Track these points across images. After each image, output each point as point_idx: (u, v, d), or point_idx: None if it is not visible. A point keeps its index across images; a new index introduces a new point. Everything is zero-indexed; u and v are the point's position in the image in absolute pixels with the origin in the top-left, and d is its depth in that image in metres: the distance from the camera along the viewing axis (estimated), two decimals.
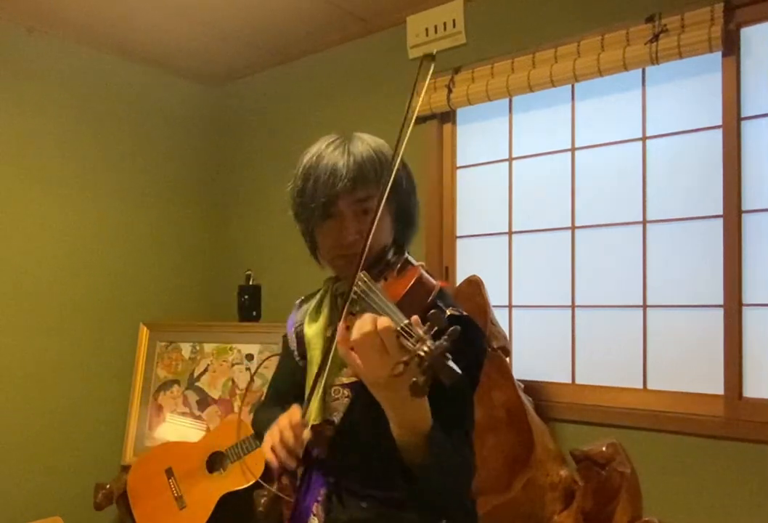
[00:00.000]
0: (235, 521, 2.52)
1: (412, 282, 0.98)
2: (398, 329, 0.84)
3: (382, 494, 1.07)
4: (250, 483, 2.40)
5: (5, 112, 2.70)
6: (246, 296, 3.03)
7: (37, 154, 2.79)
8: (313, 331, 1.17)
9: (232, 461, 2.46)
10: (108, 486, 2.67)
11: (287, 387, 1.28)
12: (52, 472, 2.77)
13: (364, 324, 0.88)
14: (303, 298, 1.32)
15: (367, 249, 1.03)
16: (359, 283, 1.00)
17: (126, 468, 2.73)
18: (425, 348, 0.78)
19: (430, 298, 0.99)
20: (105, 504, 2.67)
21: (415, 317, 0.85)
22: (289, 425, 1.04)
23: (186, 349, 2.97)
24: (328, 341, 1.06)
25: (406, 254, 1.10)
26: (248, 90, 3.40)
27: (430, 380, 0.78)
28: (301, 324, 1.23)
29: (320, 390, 1.10)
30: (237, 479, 2.42)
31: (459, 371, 0.78)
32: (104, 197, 3.01)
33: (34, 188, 2.78)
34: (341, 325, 0.96)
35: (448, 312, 1.02)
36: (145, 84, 3.19)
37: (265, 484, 2.38)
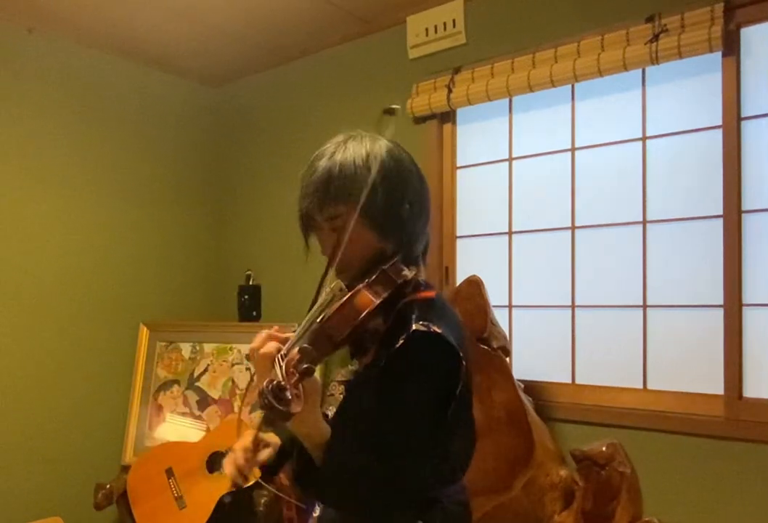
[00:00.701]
0: (235, 521, 2.52)
1: (343, 301, 1.00)
2: (277, 356, 0.93)
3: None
4: (250, 483, 2.40)
5: (5, 112, 2.70)
6: (246, 296, 3.03)
7: (36, 153, 2.79)
8: None
9: None
10: (108, 486, 2.67)
11: None
12: (52, 472, 2.77)
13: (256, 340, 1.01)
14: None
15: (332, 270, 1.08)
16: (326, 292, 1.06)
17: (126, 468, 2.73)
18: (264, 384, 0.84)
19: (361, 316, 0.99)
20: (105, 504, 2.66)
21: (294, 350, 0.92)
22: (241, 449, 1.15)
23: (186, 349, 2.97)
24: None
25: (386, 265, 1.08)
26: (248, 90, 3.40)
27: (269, 416, 0.86)
28: None
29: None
30: None
31: (290, 409, 0.83)
32: (104, 197, 3.01)
33: (33, 188, 2.78)
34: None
35: (413, 327, 1.03)
36: (145, 84, 3.20)
37: (265, 484, 2.38)
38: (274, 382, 0.84)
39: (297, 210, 1.16)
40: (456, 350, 1.06)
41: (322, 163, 1.10)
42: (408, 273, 1.09)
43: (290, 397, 0.84)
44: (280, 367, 0.88)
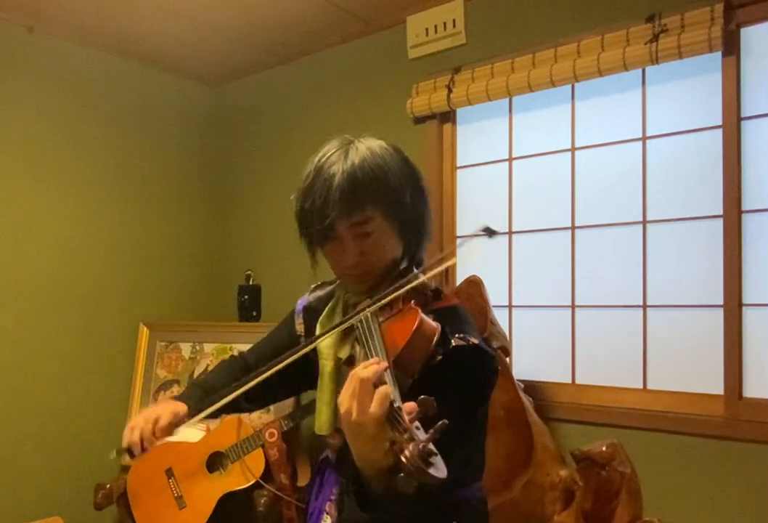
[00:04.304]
0: (235, 521, 2.51)
1: (411, 332, 0.93)
2: (393, 408, 0.82)
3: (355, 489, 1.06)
4: (250, 483, 2.40)
5: (5, 111, 2.70)
6: (246, 296, 3.03)
7: (36, 153, 2.79)
8: (326, 342, 1.15)
9: (232, 461, 2.45)
10: (108, 486, 2.67)
11: (274, 353, 1.26)
12: (52, 472, 2.77)
13: (362, 391, 0.84)
14: (319, 283, 1.31)
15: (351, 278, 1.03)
16: (362, 320, 0.99)
17: (126, 468, 2.73)
18: (407, 453, 0.75)
19: (432, 346, 0.94)
20: (105, 504, 2.66)
21: (409, 404, 0.82)
22: (154, 421, 1.12)
23: (186, 349, 2.97)
24: (340, 363, 1.06)
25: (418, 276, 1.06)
26: (248, 90, 3.40)
27: (414, 482, 0.75)
28: (315, 312, 1.23)
29: (331, 404, 1.10)
30: (237, 479, 2.42)
31: (441, 475, 0.74)
32: (103, 198, 3.01)
33: (33, 188, 2.78)
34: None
35: (452, 343, 1.00)
36: (145, 84, 3.19)
37: (265, 484, 2.38)
38: (420, 446, 0.74)
39: (308, 224, 1.08)
40: (494, 358, 1.06)
41: (339, 168, 1.04)
42: (428, 282, 1.08)
43: (437, 460, 0.75)
44: (402, 422, 0.78)
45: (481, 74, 2.45)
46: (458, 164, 2.64)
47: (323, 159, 1.08)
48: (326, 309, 1.20)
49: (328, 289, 1.27)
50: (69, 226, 2.89)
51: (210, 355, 2.92)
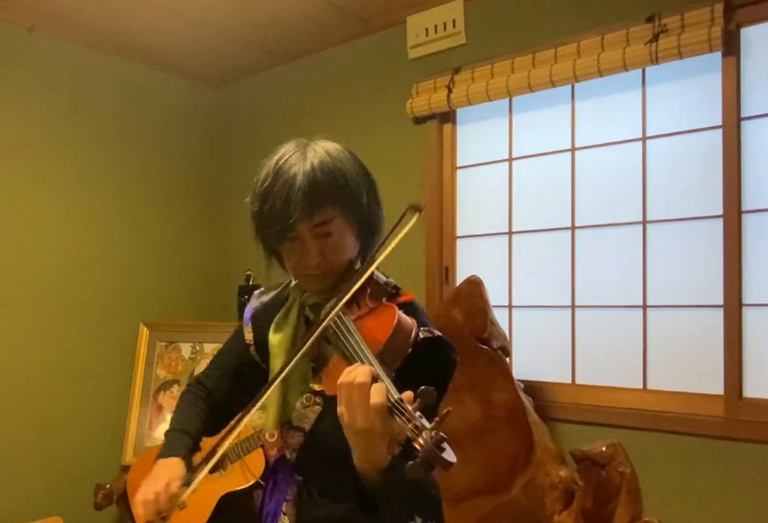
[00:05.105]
0: (235, 521, 2.51)
1: (392, 328, 0.96)
2: (390, 403, 0.85)
3: (354, 493, 1.03)
4: (250, 483, 2.40)
5: (4, 111, 2.70)
6: (246, 296, 3.02)
7: (36, 153, 2.79)
8: (277, 340, 1.15)
9: (232, 461, 2.45)
10: (108, 486, 2.67)
11: (230, 369, 1.32)
12: (52, 472, 2.77)
13: (361, 395, 0.86)
14: (262, 289, 1.31)
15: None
16: (336, 319, 1.00)
17: (126, 468, 2.73)
18: (421, 440, 0.78)
19: (411, 340, 0.97)
20: (105, 504, 2.67)
21: (407, 394, 0.85)
22: (165, 490, 1.09)
23: (186, 349, 2.97)
24: (290, 354, 1.06)
25: (377, 274, 1.08)
26: (248, 90, 3.40)
27: (428, 468, 0.78)
28: (264, 318, 1.24)
29: (279, 402, 1.11)
30: (237, 479, 2.42)
31: (453, 460, 0.78)
32: (103, 197, 3.01)
33: (33, 188, 2.78)
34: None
35: (420, 335, 1.01)
36: (145, 84, 3.20)
37: (265, 484, 2.38)
38: (433, 433, 0.78)
39: (267, 225, 1.10)
40: (455, 350, 1.08)
41: (299, 169, 1.06)
42: (387, 279, 1.09)
43: (447, 446, 0.78)
44: (406, 411, 0.82)
45: (481, 74, 2.45)
46: (458, 164, 2.64)
47: (282, 161, 1.10)
48: (281, 311, 1.20)
49: (273, 294, 1.27)
50: (69, 226, 2.89)
51: (210, 355, 2.91)
